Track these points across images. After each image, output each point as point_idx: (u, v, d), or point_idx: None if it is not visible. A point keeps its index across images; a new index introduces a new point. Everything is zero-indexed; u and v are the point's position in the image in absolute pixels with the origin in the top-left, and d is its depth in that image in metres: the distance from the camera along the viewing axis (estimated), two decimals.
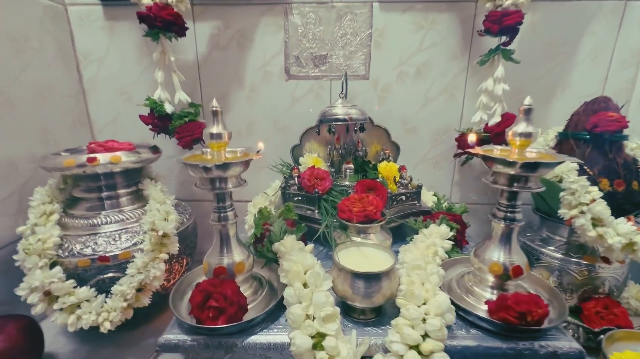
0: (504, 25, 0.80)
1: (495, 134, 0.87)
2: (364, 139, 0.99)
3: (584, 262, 0.78)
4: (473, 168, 1.07)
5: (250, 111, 1.04)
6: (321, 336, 0.43)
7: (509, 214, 0.50)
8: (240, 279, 0.53)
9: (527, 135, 0.46)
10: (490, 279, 0.52)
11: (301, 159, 0.93)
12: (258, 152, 0.49)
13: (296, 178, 0.81)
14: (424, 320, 0.44)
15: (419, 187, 0.79)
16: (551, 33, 0.94)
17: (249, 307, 0.51)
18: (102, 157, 0.74)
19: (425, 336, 0.43)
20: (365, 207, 0.60)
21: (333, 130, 0.81)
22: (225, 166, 0.45)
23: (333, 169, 0.94)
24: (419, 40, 0.96)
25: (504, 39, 0.85)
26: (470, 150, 0.49)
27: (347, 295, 0.49)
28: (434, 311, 0.44)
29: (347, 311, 0.52)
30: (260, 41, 0.98)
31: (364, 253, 0.55)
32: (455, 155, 1.00)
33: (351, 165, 0.86)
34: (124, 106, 1.04)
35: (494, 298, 0.52)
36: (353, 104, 0.84)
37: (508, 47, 0.85)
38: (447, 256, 0.63)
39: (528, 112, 0.46)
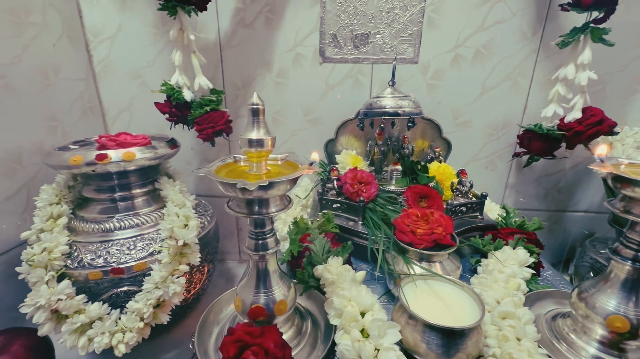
0: None
1: (574, 133, 0.73)
2: (410, 133, 0.86)
3: None
4: (533, 170, 0.92)
5: (278, 99, 0.92)
6: None
7: (639, 253, 0.37)
8: (281, 319, 0.43)
9: None
10: (600, 332, 0.40)
11: (338, 157, 0.80)
12: (311, 164, 0.37)
13: (335, 182, 0.69)
14: None
15: (483, 196, 0.66)
16: None
17: (293, 355, 0.41)
18: (114, 154, 0.64)
19: None
20: (433, 229, 0.48)
21: (382, 125, 0.68)
22: (269, 186, 0.33)
23: (373, 168, 0.82)
24: (482, 17, 0.80)
25: (594, 15, 0.69)
26: (596, 166, 0.36)
27: (419, 351, 0.38)
28: None
29: None
30: (292, 17, 0.84)
31: (436, 292, 0.43)
32: (515, 155, 0.86)
33: (399, 167, 0.73)
34: (139, 92, 0.93)
35: (603, 357, 0.40)
36: (405, 94, 0.70)
37: (601, 26, 0.68)
38: (528, 290, 0.52)
39: None
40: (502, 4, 0.79)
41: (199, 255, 0.68)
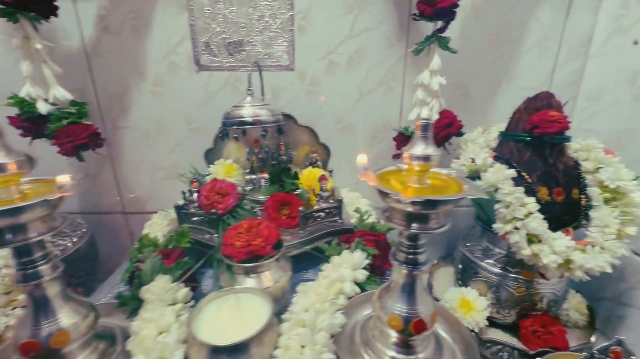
0: (438, 7, 0.68)
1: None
2: (291, 140, 0.87)
3: (522, 278, 0.71)
4: None
5: (157, 108, 0.88)
6: None
7: (410, 256, 0.39)
8: (74, 346, 0.40)
9: (426, 159, 0.35)
10: (393, 334, 0.42)
11: (211, 168, 0.79)
12: (60, 187, 0.35)
13: (195, 194, 0.68)
14: None
15: (339, 201, 0.67)
16: (495, 19, 0.83)
17: None
18: None
19: None
20: (250, 241, 0.48)
21: (236, 135, 0.67)
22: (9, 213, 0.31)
23: (254, 177, 0.81)
24: (349, 25, 0.83)
25: (440, 24, 0.73)
26: (363, 177, 0.38)
27: None
28: None
29: None
30: (161, 25, 0.81)
31: (241, 304, 0.43)
32: (394, 157, 0.89)
33: (266, 175, 0.73)
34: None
35: (399, 357, 0.42)
36: (264, 103, 0.70)
37: (444, 34, 0.73)
38: (358, 291, 0.53)
39: (425, 128, 0.35)
40: (366, 12, 0.82)
41: None
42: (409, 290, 0.40)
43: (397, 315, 0.40)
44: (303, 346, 0.38)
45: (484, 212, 0.76)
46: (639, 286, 0.74)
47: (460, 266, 0.84)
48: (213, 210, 0.62)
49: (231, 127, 0.66)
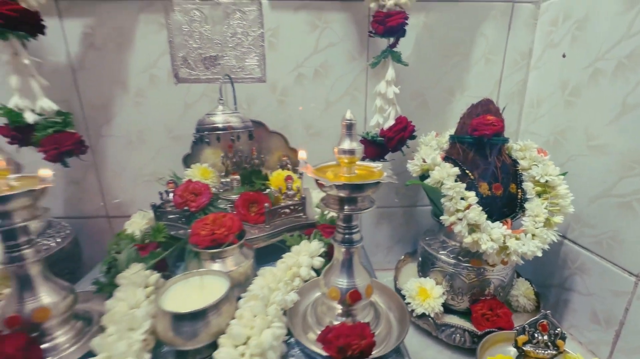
0: (388, 26, 0.78)
1: (388, 139, 0.85)
2: (264, 146, 0.94)
3: (471, 266, 0.78)
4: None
5: (139, 118, 0.95)
6: None
7: (347, 236, 0.46)
8: (54, 323, 0.45)
9: (351, 153, 0.42)
10: (337, 306, 0.49)
11: (187, 172, 0.85)
12: (43, 180, 0.41)
13: (171, 194, 0.74)
14: None
15: (303, 199, 0.74)
16: (445, 34, 0.93)
17: (67, 354, 0.44)
18: None
19: None
20: (214, 230, 0.54)
21: (207, 140, 0.74)
22: None
23: (227, 179, 0.88)
24: (314, 41, 0.91)
25: (392, 40, 0.83)
26: (302, 169, 0.45)
27: (168, 339, 0.43)
28: (251, 350, 0.40)
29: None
30: (142, 41, 0.89)
31: (204, 284, 0.49)
32: (363, 159, 0.97)
33: (237, 176, 0.80)
34: None
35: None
36: (234, 111, 0.78)
37: (396, 49, 0.82)
38: (315, 276, 0.60)
39: (349, 127, 0.42)
40: (329, 30, 0.91)
41: None
42: (347, 265, 0.47)
43: (336, 287, 0.46)
44: (255, 316, 0.45)
45: (437, 208, 0.84)
46: (578, 272, 0.82)
47: (420, 259, 0.91)
48: (186, 207, 0.69)
49: (204, 133, 0.73)
